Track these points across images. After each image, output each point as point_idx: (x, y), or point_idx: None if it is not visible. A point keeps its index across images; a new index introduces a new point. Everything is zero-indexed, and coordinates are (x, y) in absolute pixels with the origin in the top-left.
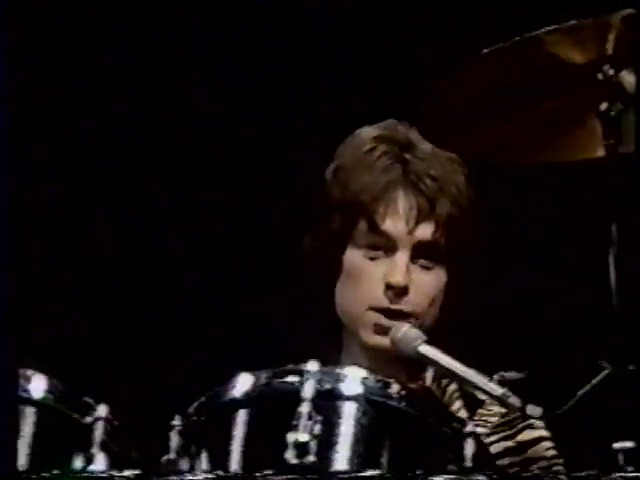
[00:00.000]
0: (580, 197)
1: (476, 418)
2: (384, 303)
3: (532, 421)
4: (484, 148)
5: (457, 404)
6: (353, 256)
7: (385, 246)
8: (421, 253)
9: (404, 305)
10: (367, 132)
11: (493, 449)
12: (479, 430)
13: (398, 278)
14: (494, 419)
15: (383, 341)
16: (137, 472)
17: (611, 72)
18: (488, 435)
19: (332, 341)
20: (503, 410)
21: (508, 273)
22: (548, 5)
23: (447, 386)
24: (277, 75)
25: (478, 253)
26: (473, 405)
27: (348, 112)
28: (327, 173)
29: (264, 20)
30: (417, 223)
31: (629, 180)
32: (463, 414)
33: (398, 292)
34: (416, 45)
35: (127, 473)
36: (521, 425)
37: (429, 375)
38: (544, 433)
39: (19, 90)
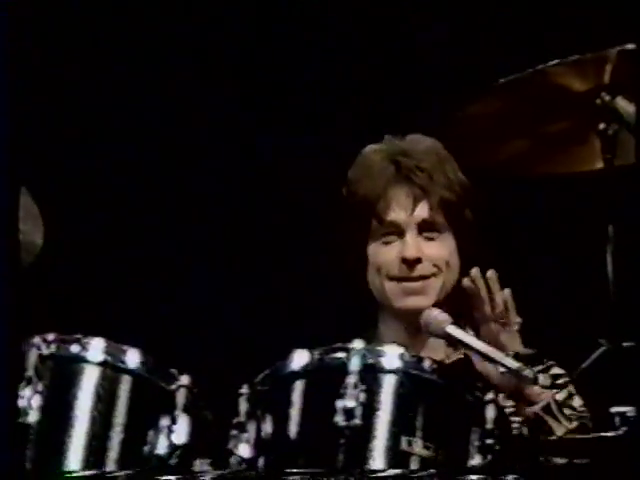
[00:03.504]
0: (583, 201)
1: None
2: (404, 273)
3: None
4: (502, 162)
5: None
6: (372, 247)
7: (395, 232)
8: (424, 229)
9: (421, 271)
10: (368, 149)
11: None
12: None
13: (411, 252)
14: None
15: (410, 301)
16: (131, 471)
17: (608, 98)
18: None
19: (370, 318)
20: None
21: (525, 269)
22: (554, 42)
23: None
24: (296, 94)
25: (475, 226)
26: None
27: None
28: (343, 190)
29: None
30: (414, 207)
31: (624, 187)
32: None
33: (412, 263)
34: (441, 74)
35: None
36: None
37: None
38: (572, 389)
39: (20, 89)
